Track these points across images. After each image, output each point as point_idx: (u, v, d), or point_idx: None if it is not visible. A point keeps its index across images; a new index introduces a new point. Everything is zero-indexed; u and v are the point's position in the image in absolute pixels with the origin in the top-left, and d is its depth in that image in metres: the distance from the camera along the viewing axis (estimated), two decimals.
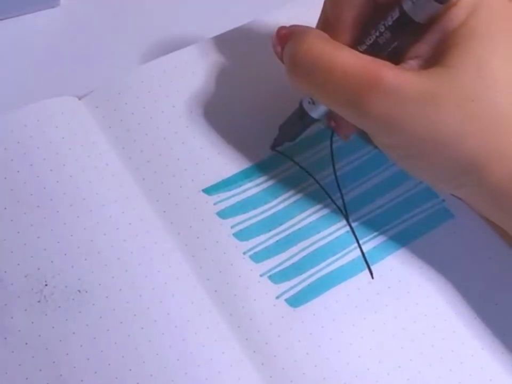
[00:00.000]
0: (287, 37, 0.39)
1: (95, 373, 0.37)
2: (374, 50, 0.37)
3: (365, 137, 0.43)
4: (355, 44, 0.38)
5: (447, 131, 0.34)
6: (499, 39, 0.35)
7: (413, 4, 0.35)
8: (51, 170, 0.41)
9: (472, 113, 0.34)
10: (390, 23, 0.36)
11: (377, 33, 0.37)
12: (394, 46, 0.37)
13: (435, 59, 0.35)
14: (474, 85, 0.34)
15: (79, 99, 0.44)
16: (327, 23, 0.39)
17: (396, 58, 0.36)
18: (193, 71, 0.45)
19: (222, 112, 0.45)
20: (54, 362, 0.37)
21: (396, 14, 0.36)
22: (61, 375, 0.37)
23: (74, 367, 0.37)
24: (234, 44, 0.46)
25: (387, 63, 0.35)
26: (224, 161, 0.43)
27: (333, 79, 0.36)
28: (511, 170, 0.35)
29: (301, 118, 0.42)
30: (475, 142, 0.34)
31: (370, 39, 0.37)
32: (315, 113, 0.41)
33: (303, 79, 0.38)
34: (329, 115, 0.41)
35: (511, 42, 0.35)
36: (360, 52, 0.37)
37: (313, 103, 0.40)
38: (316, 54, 0.36)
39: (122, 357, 0.37)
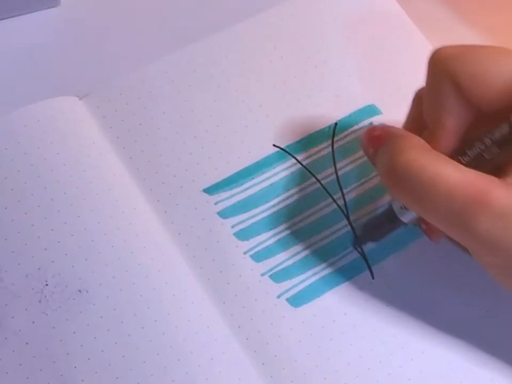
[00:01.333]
0: (382, 139, 0.37)
1: (96, 372, 0.37)
2: (478, 164, 0.35)
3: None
4: (455, 153, 0.36)
5: None
6: None
7: None
8: (52, 170, 0.41)
9: None
10: (497, 138, 0.34)
11: (483, 147, 0.35)
12: (500, 160, 0.35)
13: None
14: None
15: (80, 99, 0.44)
16: (417, 125, 0.38)
17: (499, 172, 0.34)
18: (195, 70, 0.45)
19: (222, 112, 0.44)
20: (54, 362, 0.37)
21: (505, 129, 0.34)
22: (61, 375, 0.37)
23: (75, 367, 0.37)
24: (235, 42, 0.46)
25: (494, 179, 0.33)
26: (225, 161, 0.43)
27: (437, 195, 0.33)
28: None
29: (390, 220, 0.40)
30: None
31: (474, 152, 0.35)
32: (406, 219, 0.39)
33: (402, 191, 0.35)
34: (421, 219, 0.38)
35: None
36: (463, 163, 0.35)
37: (406, 208, 0.38)
38: (418, 167, 0.34)
39: (123, 356, 0.37)
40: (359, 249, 0.42)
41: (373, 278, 0.41)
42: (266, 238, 0.42)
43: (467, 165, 0.34)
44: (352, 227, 0.42)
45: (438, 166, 0.33)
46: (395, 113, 0.42)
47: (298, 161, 0.43)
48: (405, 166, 0.34)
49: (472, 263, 0.41)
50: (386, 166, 0.35)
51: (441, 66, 0.36)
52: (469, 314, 0.41)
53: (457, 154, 0.36)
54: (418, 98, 0.39)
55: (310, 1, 0.48)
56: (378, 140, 0.37)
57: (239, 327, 0.39)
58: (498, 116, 0.34)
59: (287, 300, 0.40)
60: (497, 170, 0.34)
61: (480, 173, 0.33)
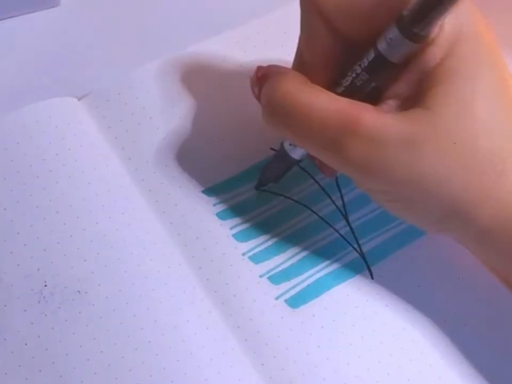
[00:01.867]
0: (265, 78, 0.38)
1: (95, 373, 0.37)
2: (352, 92, 0.35)
3: None
4: (332, 85, 0.36)
5: (429, 175, 0.34)
6: (479, 77, 0.34)
7: (387, 44, 0.33)
8: (50, 171, 0.41)
9: (454, 156, 0.33)
10: (365, 64, 0.35)
11: (354, 75, 0.35)
12: (372, 86, 0.35)
13: (414, 99, 0.34)
14: (455, 127, 0.33)
15: (79, 99, 0.44)
16: (302, 63, 0.38)
17: (374, 97, 0.35)
18: (193, 71, 0.45)
19: (222, 113, 0.44)
20: (53, 362, 0.37)
21: (371, 55, 0.34)
22: (60, 375, 0.37)
23: (74, 368, 0.37)
24: (233, 45, 0.46)
25: (365, 105, 0.34)
26: (224, 162, 0.43)
27: (310, 124, 0.35)
28: (496, 212, 0.34)
29: (283, 159, 0.41)
30: (458, 185, 0.34)
31: (347, 80, 0.36)
32: (296, 155, 0.40)
33: (279, 124, 0.36)
34: (309, 155, 0.40)
35: (491, 79, 0.34)
36: (338, 93, 0.36)
37: (293, 145, 0.40)
38: (292, 98, 0.35)
39: (122, 357, 0.37)
40: (358, 249, 0.42)
41: (372, 278, 0.41)
42: (265, 240, 0.42)
43: (342, 94, 0.35)
44: (351, 228, 0.42)
45: (311, 96, 0.35)
46: None
47: (297, 163, 0.43)
48: (281, 99, 0.35)
49: (475, 265, 0.42)
50: (265, 101, 0.37)
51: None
52: (469, 314, 0.41)
53: (333, 85, 0.36)
54: (298, 47, 0.40)
55: None
56: (263, 79, 0.38)
57: (238, 327, 0.39)
58: (369, 44, 0.35)
59: (286, 301, 0.40)
60: (373, 100, 0.35)
61: (352, 100, 0.34)
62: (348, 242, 0.42)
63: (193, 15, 0.48)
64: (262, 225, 0.42)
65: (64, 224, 0.40)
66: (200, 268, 0.40)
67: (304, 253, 0.41)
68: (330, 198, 0.43)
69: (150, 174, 0.42)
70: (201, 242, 0.41)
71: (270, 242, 0.41)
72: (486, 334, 0.41)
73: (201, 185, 0.43)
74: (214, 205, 0.42)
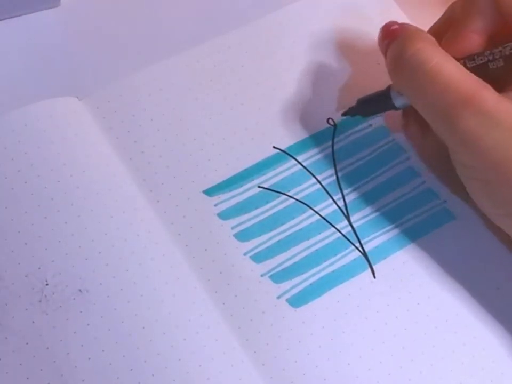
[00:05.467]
0: (396, 33, 0.40)
1: (96, 372, 0.37)
2: (481, 71, 0.37)
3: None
4: (464, 57, 0.38)
5: None
6: None
7: None
8: (52, 170, 0.41)
9: None
10: (507, 53, 0.37)
11: (491, 57, 0.37)
12: (502, 74, 0.37)
13: None
14: None
15: (80, 100, 0.44)
16: (441, 29, 0.41)
17: (499, 85, 0.37)
18: (194, 73, 0.45)
19: (221, 114, 0.45)
20: (54, 362, 0.37)
21: None
22: (61, 375, 0.37)
23: (75, 367, 0.37)
24: (235, 45, 0.46)
25: (489, 87, 0.36)
26: (224, 162, 0.43)
27: (434, 87, 0.37)
28: None
29: (382, 100, 0.42)
30: None
31: (481, 59, 0.38)
32: (398, 103, 0.41)
33: (403, 79, 0.39)
34: (406, 111, 0.41)
35: None
36: (467, 67, 0.37)
37: (401, 94, 0.40)
38: (423, 59, 0.37)
39: (124, 356, 0.37)
40: (360, 248, 0.42)
41: (374, 277, 0.41)
42: (267, 239, 0.42)
43: (471, 69, 0.37)
44: (352, 227, 0.42)
45: (441, 60, 0.37)
46: None
47: (299, 162, 0.43)
48: (412, 55, 0.38)
49: (473, 264, 0.42)
50: (395, 54, 0.39)
51: None
52: (471, 315, 0.41)
53: (466, 58, 0.38)
54: (450, 9, 0.42)
55: None
56: (393, 33, 0.40)
57: (239, 327, 0.39)
58: None
59: (287, 300, 0.40)
60: (497, 87, 0.37)
61: (479, 78, 0.36)
62: (350, 242, 0.42)
63: (195, 17, 0.48)
64: (263, 225, 0.42)
65: (65, 223, 0.40)
66: (201, 268, 0.40)
67: (305, 252, 0.41)
68: (332, 198, 0.43)
69: (151, 175, 0.42)
70: (203, 242, 0.41)
71: (271, 242, 0.42)
72: (487, 334, 0.41)
73: (202, 185, 0.43)
74: (215, 205, 0.42)
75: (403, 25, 0.40)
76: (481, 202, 0.39)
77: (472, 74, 0.36)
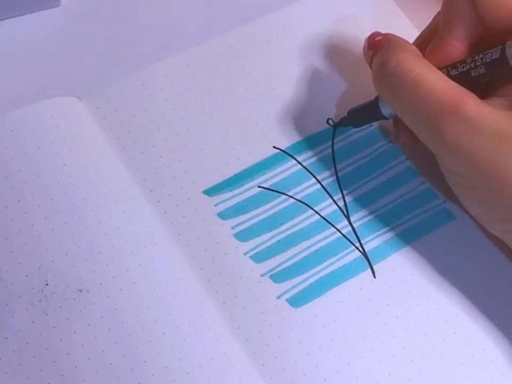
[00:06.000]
0: (381, 43, 0.40)
1: (96, 372, 0.37)
2: (463, 79, 0.37)
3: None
4: (447, 65, 0.38)
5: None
6: None
7: None
8: (52, 170, 0.41)
9: None
10: (488, 60, 0.37)
11: (472, 65, 0.37)
12: (485, 80, 0.37)
13: None
14: None
15: (80, 100, 0.44)
16: (427, 38, 0.41)
17: (482, 91, 0.37)
18: (194, 73, 0.45)
19: (222, 114, 0.45)
20: (55, 362, 0.37)
21: (496, 54, 0.36)
22: (62, 374, 0.37)
23: (75, 367, 0.37)
24: (235, 45, 0.46)
25: (472, 94, 0.36)
26: (224, 162, 0.43)
27: (417, 97, 0.37)
28: None
29: (371, 110, 0.42)
30: None
31: (463, 67, 0.38)
32: (386, 112, 0.41)
33: (387, 90, 0.39)
34: (397, 119, 0.41)
35: None
36: (450, 76, 0.38)
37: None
38: (405, 70, 0.37)
39: (124, 356, 0.37)
40: (360, 248, 0.42)
41: (375, 277, 0.41)
42: (267, 239, 0.42)
43: (454, 77, 0.38)
44: (352, 227, 0.42)
45: (424, 70, 0.37)
46: None
47: (299, 162, 0.43)
48: (395, 67, 0.38)
49: (473, 264, 0.42)
50: (379, 65, 0.39)
51: None
52: (470, 315, 0.41)
53: (448, 66, 0.38)
54: (436, 17, 0.42)
55: None
56: (378, 44, 0.40)
57: (239, 328, 0.39)
58: (497, 40, 0.37)
59: (287, 300, 0.40)
60: (482, 94, 0.37)
61: (461, 86, 0.37)
62: (350, 242, 0.42)
63: (195, 17, 0.48)
64: (263, 225, 0.42)
65: (66, 223, 0.40)
66: (201, 268, 0.40)
67: (305, 252, 0.41)
68: (332, 198, 0.43)
69: (151, 175, 0.42)
70: (203, 242, 0.41)
71: (271, 242, 0.42)
72: (487, 334, 0.41)
73: (202, 185, 0.43)
74: (215, 205, 0.42)
75: (387, 36, 0.40)
76: (471, 208, 0.39)
77: (454, 83, 0.37)
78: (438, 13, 0.42)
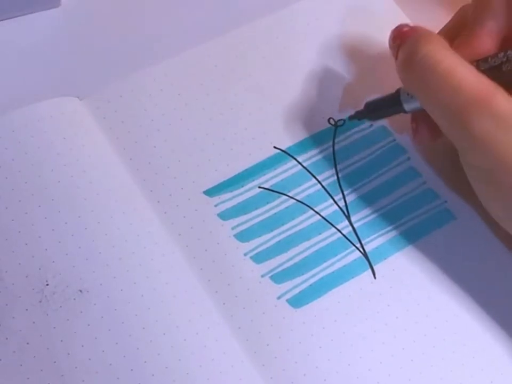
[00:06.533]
0: (407, 35, 0.39)
1: (97, 373, 0.37)
2: (494, 73, 0.37)
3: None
4: (477, 59, 0.38)
5: None
6: None
7: None
8: (52, 170, 0.41)
9: None
10: None
11: (504, 59, 0.37)
12: None
13: None
14: None
15: (80, 100, 0.44)
16: (452, 31, 0.41)
17: (510, 87, 0.37)
18: (194, 73, 0.45)
19: (222, 114, 0.45)
20: (55, 362, 0.37)
21: None
22: (62, 375, 0.37)
23: (76, 367, 0.37)
24: (235, 45, 0.46)
25: (501, 89, 0.36)
26: (225, 163, 0.43)
27: (446, 89, 0.36)
28: None
29: (392, 104, 0.42)
30: None
31: (495, 62, 0.37)
32: (408, 107, 0.41)
33: (414, 81, 0.38)
34: (415, 115, 0.41)
35: None
36: (480, 69, 0.37)
37: (411, 97, 0.40)
38: (434, 61, 0.37)
39: (124, 357, 0.37)
40: (361, 249, 0.42)
41: (375, 278, 0.41)
42: (267, 240, 0.42)
43: (484, 71, 0.37)
44: (353, 228, 0.42)
45: (453, 62, 0.37)
46: None
47: (299, 163, 0.43)
48: (423, 57, 0.37)
49: (474, 264, 0.42)
50: (406, 55, 0.38)
51: None
52: (471, 315, 0.41)
53: (479, 60, 0.38)
54: (461, 11, 0.42)
55: None
56: (404, 35, 0.40)
57: (239, 328, 0.39)
58: None
59: (288, 300, 0.40)
60: (508, 89, 0.36)
61: (490, 80, 0.36)
62: (351, 242, 0.42)
63: (196, 17, 0.48)
64: (264, 225, 0.42)
65: (66, 223, 0.40)
66: (201, 269, 0.40)
67: (306, 253, 0.41)
68: (333, 198, 0.43)
69: (151, 175, 0.42)
70: (203, 243, 0.41)
71: (271, 242, 0.42)
72: (487, 334, 0.41)
73: (203, 186, 0.43)
74: (216, 205, 0.42)
75: (414, 27, 0.40)
76: (490, 205, 0.39)
77: (484, 76, 0.36)
78: (463, 6, 0.42)
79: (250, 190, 0.43)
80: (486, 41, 0.39)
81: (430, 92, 0.37)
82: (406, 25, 0.41)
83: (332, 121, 0.45)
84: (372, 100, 0.43)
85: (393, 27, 0.42)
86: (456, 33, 0.41)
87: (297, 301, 0.40)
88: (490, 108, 0.35)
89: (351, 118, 0.44)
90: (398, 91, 0.41)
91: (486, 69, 0.38)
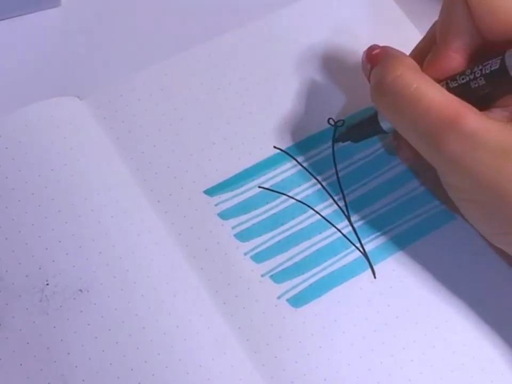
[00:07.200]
0: (379, 57, 0.40)
1: (97, 372, 0.37)
2: (463, 91, 0.37)
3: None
4: (446, 78, 0.38)
5: None
6: None
7: None
8: (52, 170, 0.41)
9: None
10: (487, 71, 0.36)
11: (472, 76, 0.37)
12: (484, 92, 0.37)
13: None
14: None
15: (80, 99, 0.44)
16: (424, 49, 0.41)
17: (482, 103, 0.37)
18: (195, 73, 0.45)
19: (222, 114, 0.45)
20: (55, 361, 0.37)
21: (495, 65, 0.36)
22: (62, 374, 0.37)
23: (76, 367, 0.37)
24: (236, 45, 0.46)
25: (471, 107, 0.36)
26: (225, 162, 0.43)
27: (416, 111, 0.36)
28: None
29: (371, 124, 0.42)
30: None
31: (463, 79, 0.37)
32: (385, 126, 0.41)
33: (386, 105, 0.38)
34: (396, 133, 0.40)
35: None
36: (449, 88, 0.37)
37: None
38: (404, 84, 0.37)
39: (124, 356, 0.37)
40: (361, 248, 0.42)
41: (375, 278, 0.41)
42: (267, 239, 0.42)
43: (454, 89, 0.37)
44: (353, 228, 0.42)
45: (422, 84, 0.37)
46: None
47: (299, 163, 0.43)
48: (392, 81, 0.37)
49: (473, 264, 0.42)
50: (376, 80, 0.39)
51: None
52: (471, 315, 0.41)
53: (448, 79, 0.38)
54: (433, 27, 0.42)
55: None
56: (376, 58, 0.40)
57: (239, 328, 0.39)
58: (496, 51, 0.36)
59: (288, 300, 0.40)
60: (481, 105, 0.37)
61: (460, 100, 0.36)
62: (351, 242, 0.42)
63: (195, 17, 0.48)
64: (264, 225, 0.42)
65: (66, 223, 0.40)
66: (202, 268, 0.40)
67: (306, 252, 0.41)
68: (333, 198, 0.43)
69: (152, 175, 0.42)
70: (203, 242, 0.41)
71: (272, 242, 0.42)
72: (487, 335, 0.41)
73: (203, 185, 0.43)
74: (216, 205, 0.42)
75: (384, 49, 0.40)
76: (474, 222, 0.39)
77: (453, 96, 0.36)
78: (435, 23, 0.42)
79: (250, 189, 0.43)
80: (454, 58, 0.39)
81: (401, 115, 0.37)
82: (377, 46, 0.41)
83: (331, 121, 0.45)
84: (353, 123, 0.43)
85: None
86: (428, 50, 0.41)
87: (297, 301, 0.40)
88: (460, 127, 0.35)
89: (336, 140, 0.44)
90: (375, 112, 0.41)
91: (455, 87, 0.37)
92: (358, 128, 0.43)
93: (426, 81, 0.37)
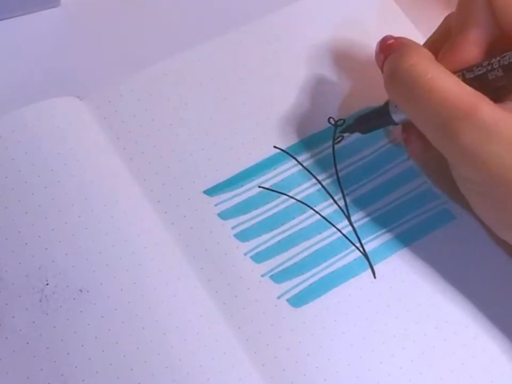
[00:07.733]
0: (393, 47, 0.39)
1: (97, 372, 0.37)
2: (479, 83, 0.37)
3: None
4: (462, 69, 0.38)
5: None
6: None
7: None
8: (52, 170, 0.41)
9: None
10: (505, 63, 0.36)
11: (489, 67, 0.37)
12: (501, 84, 0.37)
13: None
14: None
15: (80, 99, 0.44)
16: (438, 41, 0.41)
17: (498, 95, 0.37)
18: (195, 73, 0.45)
19: (222, 114, 0.45)
20: (55, 362, 0.37)
21: None
22: (62, 374, 0.37)
23: (76, 367, 0.37)
24: (236, 45, 0.46)
25: (487, 98, 0.36)
26: (225, 162, 0.43)
27: (431, 101, 0.36)
28: None
29: (380, 116, 0.42)
30: None
31: (480, 70, 0.37)
32: (397, 118, 0.40)
33: (400, 94, 0.38)
34: (406, 126, 0.41)
35: None
36: (465, 79, 0.37)
37: (399, 109, 0.40)
38: (419, 73, 0.37)
39: (124, 356, 0.37)
40: (361, 248, 0.42)
41: (375, 278, 0.41)
42: (267, 239, 0.42)
43: (469, 81, 0.37)
44: (353, 227, 0.42)
45: (437, 74, 0.36)
46: None
47: (299, 163, 0.43)
48: (407, 70, 0.37)
49: (473, 264, 0.42)
50: (390, 68, 0.38)
51: None
52: (471, 315, 0.41)
53: (463, 70, 0.38)
54: (446, 19, 0.42)
55: None
56: (389, 48, 0.40)
57: (239, 328, 0.39)
58: None
59: (288, 300, 0.40)
60: (496, 97, 0.36)
61: (476, 91, 0.36)
62: (351, 242, 0.42)
63: (196, 17, 0.48)
64: (264, 225, 0.42)
65: (66, 223, 0.40)
66: (201, 268, 0.40)
67: (306, 252, 0.41)
68: (333, 198, 0.43)
69: (151, 175, 0.42)
70: (203, 242, 0.41)
71: (271, 242, 0.42)
72: (488, 335, 0.41)
73: (203, 185, 0.43)
74: (216, 205, 0.42)
75: (399, 40, 0.40)
76: (484, 215, 0.39)
77: (468, 87, 0.36)
78: (448, 16, 0.42)
79: (250, 189, 0.43)
80: (471, 50, 0.39)
81: (415, 105, 0.37)
82: (391, 37, 0.40)
83: (331, 121, 0.45)
84: (362, 114, 0.43)
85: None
86: (442, 42, 0.40)
87: (297, 301, 0.40)
88: (475, 119, 0.35)
89: (342, 132, 0.44)
90: (386, 103, 0.41)
91: (471, 78, 0.37)
92: (367, 119, 0.43)
93: (442, 71, 0.37)
